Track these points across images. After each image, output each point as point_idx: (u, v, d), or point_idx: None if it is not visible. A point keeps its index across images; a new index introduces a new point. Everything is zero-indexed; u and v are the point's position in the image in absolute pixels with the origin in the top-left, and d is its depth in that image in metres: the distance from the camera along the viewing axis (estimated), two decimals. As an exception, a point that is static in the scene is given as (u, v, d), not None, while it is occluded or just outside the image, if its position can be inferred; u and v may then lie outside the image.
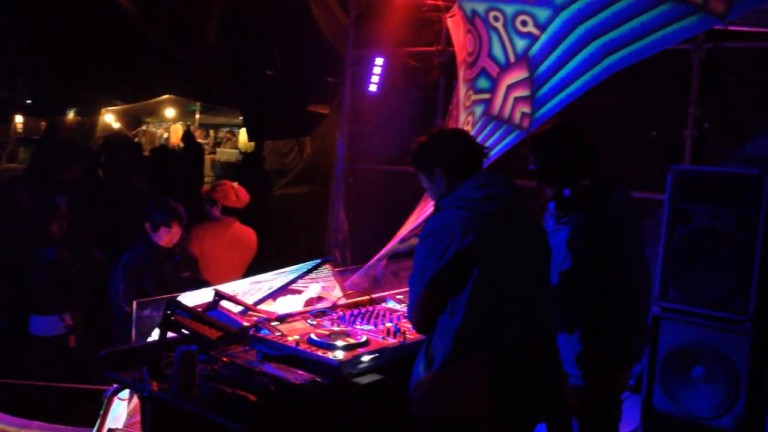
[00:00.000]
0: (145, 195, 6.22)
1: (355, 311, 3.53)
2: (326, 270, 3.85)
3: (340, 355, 2.90)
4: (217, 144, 22.62)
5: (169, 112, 20.37)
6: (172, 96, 18.46)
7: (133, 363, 2.92)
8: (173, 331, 2.98)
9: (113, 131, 19.40)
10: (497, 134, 4.22)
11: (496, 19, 4.12)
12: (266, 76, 11.16)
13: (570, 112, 3.89)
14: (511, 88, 4.12)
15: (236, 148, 21.39)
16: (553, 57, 3.90)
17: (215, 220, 5.22)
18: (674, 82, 5.28)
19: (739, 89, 5.16)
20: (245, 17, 10.45)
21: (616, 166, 5.32)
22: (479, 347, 2.64)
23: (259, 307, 3.56)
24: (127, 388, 2.99)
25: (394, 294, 3.98)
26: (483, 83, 4.28)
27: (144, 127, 21.60)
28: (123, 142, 12.87)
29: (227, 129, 22.58)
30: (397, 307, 3.74)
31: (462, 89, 4.56)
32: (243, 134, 19.13)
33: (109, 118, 20.13)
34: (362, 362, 2.93)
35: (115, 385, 3.07)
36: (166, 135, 21.90)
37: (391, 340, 3.13)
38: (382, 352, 3.01)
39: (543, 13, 3.88)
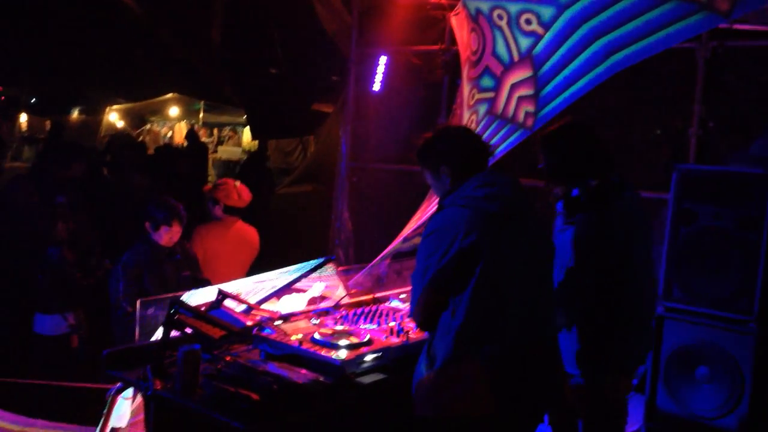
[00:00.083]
0: (146, 194, 6.23)
1: (359, 310, 3.53)
2: (330, 269, 3.85)
3: (343, 354, 2.90)
4: (220, 142, 22.63)
5: (173, 111, 20.38)
6: (176, 95, 18.48)
7: (137, 362, 2.93)
8: (177, 330, 2.98)
9: (117, 130, 19.43)
10: (501, 133, 4.21)
11: (500, 17, 4.11)
12: (270, 74, 11.16)
13: (574, 111, 3.88)
14: (515, 86, 4.11)
15: (239, 146, 21.41)
16: (557, 56, 3.89)
17: (217, 220, 5.22)
18: (679, 80, 5.27)
19: (744, 88, 5.14)
20: (249, 16, 10.45)
21: (620, 165, 5.30)
22: (481, 346, 2.64)
23: (262, 306, 3.56)
24: (131, 386, 3.00)
25: (397, 293, 3.98)
26: (487, 82, 4.28)
27: (148, 126, 21.61)
28: (126, 140, 12.89)
29: (230, 127, 22.58)
30: (401, 306, 3.73)
31: (466, 88, 4.56)
32: (247, 133, 19.14)
33: (114, 117, 20.16)
34: (365, 362, 2.93)
35: (118, 384, 3.07)
36: (170, 134, 21.91)
37: (395, 340, 3.13)
38: (385, 351, 3.01)
39: (547, 12, 3.87)
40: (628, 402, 3.34)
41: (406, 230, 4.71)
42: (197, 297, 3.35)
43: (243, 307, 3.40)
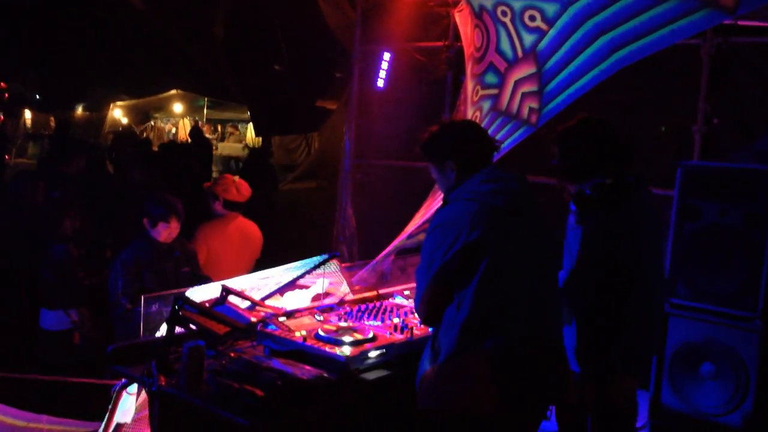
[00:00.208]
0: (148, 190, 6.24)
1: (363, 307, 3.53)
2: (333, 265, 3.85)
3: (347, 350, 2.90)
4: (223, 139, 22.66)
5: (177, 108, 20.41)
6: (180, 91, 18.51)
7: (142, 358, 2.94)
8: (181, 327, 2.99)
9: (121, 126, 19.47)
10: (505, 130, 4.21)
11: (504, 14, 4.11)
12: (274, 71, 11.17)
13: (577, 108, 3.87)
14: (518, 83, 4.11)
15: (239, 142, 21.43)
16: (561, 52, 3.88)
17: (219, 217, 5.22)
18: (683, 77, 5.25)
19: (749, 84, 5.12)
20: (253, 13, 10.46)
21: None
22: (485, 341, 2.64)
23: (266, 302, 3.56)
24: (136, 382, 3.00)
25: (401, 290, 3.98)
26: (491, 78, 4.27)
27: (152, 123, 21.66)
28: (130, 137, 12.92)
29: (231, 124, 22.62)
30: (405, 302, 3.74)
31: (470, 84, 4.55)
32: (250, 129, 19.16)
33: (118, 114, 20.20)
34: (369, 358, 2.93)
35: (123, 380, 3.08)
36: (174, 130, 21.96)
37: (399, 336, 3.13)
38: (389, 347, 3.01)
39: (551, 8, 3.86)
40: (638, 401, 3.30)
41: (410, 226, 4.71)
42: (201, 293, 3.36)
43: (247, 303, 3.41)
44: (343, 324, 3.23)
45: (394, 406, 2.97)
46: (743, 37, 4.95)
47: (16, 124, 20.23)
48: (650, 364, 4.26)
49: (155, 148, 12.61)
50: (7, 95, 18.40)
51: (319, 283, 3.86)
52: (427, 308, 2.75)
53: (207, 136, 18.89)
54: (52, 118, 19.62)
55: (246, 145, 19.81)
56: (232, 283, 3.46)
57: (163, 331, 3.19)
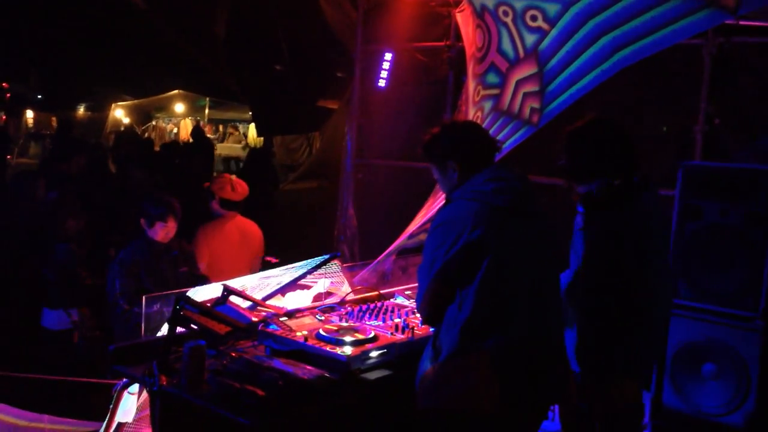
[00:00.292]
0: (148, 190, 6.24)
1: (364, 307, 3.53)
2: (335, 265, 3.85)
3: (348, 350, 2.90)
4: (222, 140, 22.67)
5: (179, 108, 20.43)
6: (181, 91, 18.52)
7: (143, 358, 2.94)
8: (182, 326, 2.99)
9: (123, 126, 19.48)
10: (506, 129, 4.21)
11: (505, 14, 4.11)
12: (275, 71, 11.17)
13: (579, 108, 3.87)
14: (520, 83, 4.11)
15: (238, 143, 21.43)
16: (563, 52, 3.88)
17: (218, 217, 5.22)
18: (685, 77, 5.24)
19: (751, 84, 5.11)
20: (254, 12, 10.46)
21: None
22: (486, 340, 2.64)
23: (267, 302, 3.57)
24: (137, 382, 3.00)
25: (402, 290, 3.98)
26: (492, 78, 4.27)
27: (154, 123, 21.67)
28: (131, 137, 12.93)
29: (231, 124, 22.63)
30: (406, 302, 3.74)
31: (471, 84, 4.55)
32: (252, 129, 19.16)
33: (119, 114, 20.22)
34: (370, 358, 2.93)
35: (124, 380, 3.09)
36: (175, 130, 21.96)
37: (400, 336, 3.13)
38: (391, 347, 3.01)
39: (553, 8, 3.86)
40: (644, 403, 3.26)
41: (412, 226, 4.71)
42: (202, 293, 3.36)
43: (248, 303, 3.41)
44: (344, 324, 3.23)
45: (395, 406, 2.98)
46: (745, 37, 4.94)
47: (18, 123, 20.25)
48: (653, 367, 4.22)
49: (157, 148, 12.62)
50: (9, 95, 18.43)
51: (320, 283, 3.86)
52: (428, 307, 2.75)
53: (209, 136, 18.90)
54: (54, 118, 19.64)
55: (247, 145, 19.82)
56: (234, 282, 3.47)
57: (164, 330, 3.19)
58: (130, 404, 3.16)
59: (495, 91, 4.26)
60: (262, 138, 16.32)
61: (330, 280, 3.89)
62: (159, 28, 11.29)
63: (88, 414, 4.03)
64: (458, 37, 5.81)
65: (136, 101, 19.42)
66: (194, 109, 20.97)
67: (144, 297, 3.46)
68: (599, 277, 3.10)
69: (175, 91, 18.57)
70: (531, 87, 4.05)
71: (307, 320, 3.28)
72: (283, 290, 3.74)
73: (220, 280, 3.52)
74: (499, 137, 4.11)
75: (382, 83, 6.80)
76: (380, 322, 3.31)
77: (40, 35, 12.71)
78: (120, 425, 3.16)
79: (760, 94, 5.05)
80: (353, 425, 2.95)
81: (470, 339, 2.64)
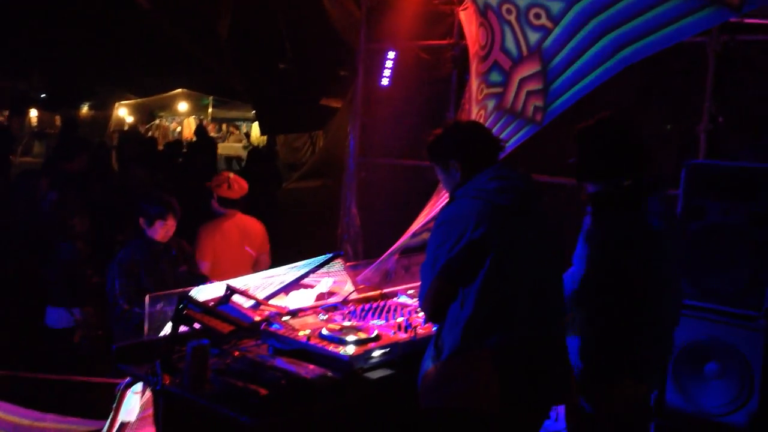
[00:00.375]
0: (149, 189, 6.24)
1: (367, 306, 3.54)
2: (338, 264, 3.85)
3: (351, 349, 2.90)
4: (223, 139, 22.67)
5: (182, 106, 20.43)
6: (185, 90, 18.51)
7: (146, 357, 2.94)
8: (185, 326, 2.99)
9: (127, 125, 19.49)
10: (510, 128, 4.20)
11: (509, 12, 4.10)
12: (279, 69, 11.16)
13: (582, 106, 3.86)
14: (523, 81, 4.10)
15: (239, 142, 21.43)
16: (566, 50, 3.88)
17: (219, 216, 5.22)
18: (689, 75, 5.23)
19: (755, 83, 5.09)
20: (257, 11, 10.45)
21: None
22: (488, 338, 2.64)
23: (270, 301, 3.57)
24: (140, 381, 3.01)
25: (405, 289, 3.98)
26: (495, 77, 4.26)
27: (157, 121, 21.68)
28: (134, 137, 12.94)
29: (233, 123, 22.64)
30: (409, 302, 3.73)
31: (474, 83, 4.55)
32: (255, 128, 19.17)
33: (123, 113, 20.22)
34: (373, 357, 2.93)
35: (128, 379, 3.09)
36: (179, 129, 21.97)
37: (402, 335, 3.13)
38: (393, 347, 3.01)
39: (556, 6, 3.86)
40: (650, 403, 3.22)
41: (415, 225, 4.71)
42: (205, 292, 3.36)
43: (251, 302, 3.41)
44: (347, 323, 3.23)
45: (397, 405, 2.98)
46: (750, 35, 4.92)
47: (21, 122, 20.27)
48: (663, 369, 4.18)
49: (160, 147, 12.63)
50: (12, 94, 18.44)
51: (323, 282, 3.86)
52: (431, 305, 2.75)
53: (212, 135, 18.91)
54: (58, 117, 19.67)
55: (249, 144, 19.82)
56: (237, 282, 3.47)
57: (167, 330, 3.20)
58: (133, 403, 3.16)
59: (498, 90, 4.25)
60: (265, 137, 16.34)
61: (333, 279, 3.89)
62: (162, 27, 11.29)
63: (90, 413, 4.03)
64: (461, 35, 5.79)
65: (139, 100, 19.41)
66: (197, 108, 20.97)
67: (147, 296, 3.46)
68: (607, 278, 3.07)
69: (179, 90, 18.57)
70: (534, 85, 4.05)
71: (310, 319, 3.28)
72: (285, 289, 3.74)
73: (221, 279, 3.52)
74: (502, 136, 4.11)
75: (385, 82, 6.79)
76: (383, 321, 3.31)
77: (43, 34, 12.71)
78: (123, 424, 3.16)
79: (765, 93, 5.03)
80: (356, 424, 2.95)
81: (473, 337, 2.64)
